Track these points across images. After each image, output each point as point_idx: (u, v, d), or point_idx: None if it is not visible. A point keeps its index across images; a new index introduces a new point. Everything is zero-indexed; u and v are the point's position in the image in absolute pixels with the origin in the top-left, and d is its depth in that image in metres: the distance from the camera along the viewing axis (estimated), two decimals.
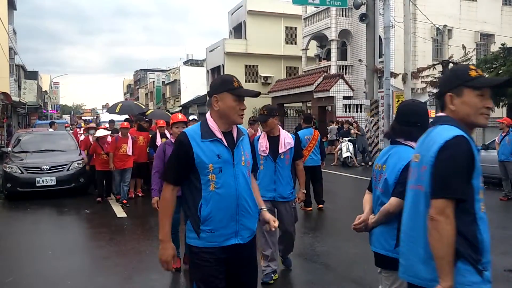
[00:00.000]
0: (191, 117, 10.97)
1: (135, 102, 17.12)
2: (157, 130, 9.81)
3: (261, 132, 5.05)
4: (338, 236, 6.68)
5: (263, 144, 4.76)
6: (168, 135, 9.08)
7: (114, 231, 7.51)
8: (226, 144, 2.58)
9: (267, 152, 4.73)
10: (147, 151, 10.17)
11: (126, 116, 12.47)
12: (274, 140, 4.75)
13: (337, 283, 4.99)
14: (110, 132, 10.53)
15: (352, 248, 6.00)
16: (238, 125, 2.70)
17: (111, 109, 13.38)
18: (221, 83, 2.62)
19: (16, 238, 7.11)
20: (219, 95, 2.58)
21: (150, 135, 10.38)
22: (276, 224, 2.83)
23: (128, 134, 9.58)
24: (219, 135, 2.58)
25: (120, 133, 9.64)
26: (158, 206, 4.30)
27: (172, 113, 12.76)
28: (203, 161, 2.51)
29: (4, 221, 8.59)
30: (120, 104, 13.23)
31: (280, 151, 4.73)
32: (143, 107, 14.25)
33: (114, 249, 6.32)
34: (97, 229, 7.68)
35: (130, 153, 9.44)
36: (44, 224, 8.21)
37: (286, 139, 4.78)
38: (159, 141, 9.25)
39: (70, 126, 20.07)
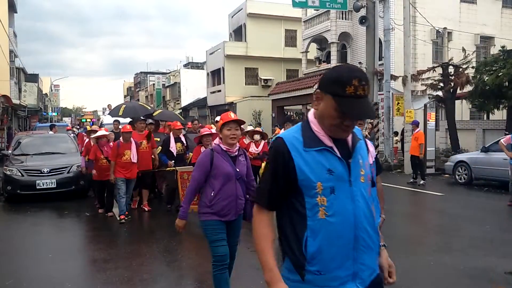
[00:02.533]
0: (217, 118, 10.26)
1: (139, 103, 14.89)
2: (171, 134, 8.88)
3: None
4: None
5: None
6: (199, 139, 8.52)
7: (115, 234, 7.52)
8: (338, 154, 1.89)
9: None
10: (154, 157, 9.04)
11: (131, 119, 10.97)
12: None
13: None
14: (110, 132, 9.47)
15: None
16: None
17: (113, 112, 11.91)
18: (332, 79, 1.86)
19: (16, 241, 7.11)
20: (322, 93, 1.89)
21: (158, 139, 9.36)
22: (393, 280, 2.13)
23: (132, 139, 8.33)
24: (329, 142, 1.89)
25: (121, 138, 8.32)
26: (181, 229, 4.05)
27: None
28: (309, 178, 1.85)
29: (4, 224, 8.59)
30: (124, 105, 11.96)
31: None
32: (149, 108, 12.50)
33: (115, 252, 6.32)
34: (97, 231, 7.67)
35: (135, 160, 8.18)
36: (44, 227, 8.20)
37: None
38: (173, 146, 8.61)
39: (74, 130, 20.03)
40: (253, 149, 9.11)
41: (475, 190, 11.46)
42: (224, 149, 3.96)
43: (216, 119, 9.74)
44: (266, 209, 1.98)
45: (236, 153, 4.04)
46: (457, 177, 12.45)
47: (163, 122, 11.16)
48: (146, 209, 9.00)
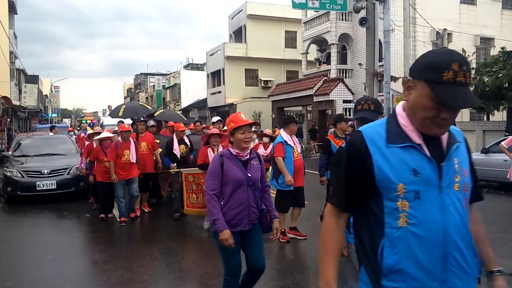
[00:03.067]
0: (215, 119, 9.47)
1: (140, 103, 14.39)
2: (174, 135, 8.53)
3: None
4: None
5: None
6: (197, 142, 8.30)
7: (115, 235, 7.52)
8: (428, 153, 1.64)
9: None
10: (156, 159, 8.81)
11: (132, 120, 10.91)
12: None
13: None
14: (115, 134, 8.98)
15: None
16: (451, 127, 1.72)
17: (113, 113, 11.63)
18: (427, 64, 1.59)
19: (16, 242, 7.10)
20: (415, 80, 1.64)
21: (158, 140, 9.06)
22: None
23: (131, 138, 8.19)
24: (417, 139, 1.65)
25: (120, 137, 8.18)
26: (230, 242, 3.47)
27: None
28: (389, 178, 1.62)
29: (5, 225, 8.58)
30: (124, 106, 11.57)
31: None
32: (150, 108, 12.12)
33: (115, 253, 6.31)
34: (98, 233, 7.66)
35: (134, 160, 8.03)
36: (45, 228, 8.20)
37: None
38: (176, 148, 8.27)
39: (75, 131, 19.99)
40: (261, 151, 8.74)
41: None
42: (234, 153, 3.65)
43: (214, 119, 9.40)
44: (339, 209, 1.77)
45: (248, 157, 3.71)
46: None
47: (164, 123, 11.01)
48: (146, 210, 8.94)
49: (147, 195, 9.23)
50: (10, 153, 11.83)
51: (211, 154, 6.91)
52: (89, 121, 30.04)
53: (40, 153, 11.28)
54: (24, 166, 10.46)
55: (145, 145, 8.66)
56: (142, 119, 9.71)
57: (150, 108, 12.30)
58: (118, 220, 8.11)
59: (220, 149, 6.93)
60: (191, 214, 7.71)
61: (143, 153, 8.52)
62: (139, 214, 8.59)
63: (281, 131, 6.80)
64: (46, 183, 10.10)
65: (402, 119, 1.69)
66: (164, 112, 12.36)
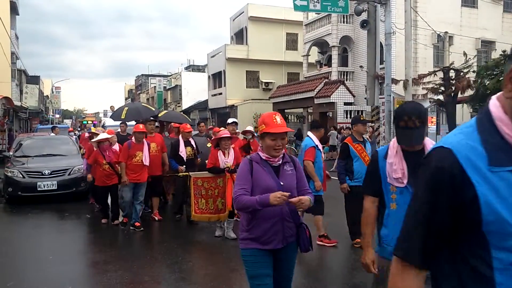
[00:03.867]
0: (230, 120, 8.67)
1: (143, 104, 13.39)
2: (180, 137, 8.25)
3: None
4: (340, 243, 6.66)
5: (398, 166, 2.81)
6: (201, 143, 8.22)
7: (115, 236, 7.52)
8: None
9: (405, 181, 2.78)
10: (164, 161, 8.41)
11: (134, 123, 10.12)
12: (416, 159, 2.56)
13: None
14: (113, 136, 8.60)
15: (353, 254, 6.00)
16: None
17: (115, 115, 11.15)
18: None
19: (17, 243, 7.11)
20: None
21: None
22: None
23: (144, 139, 7.80)
24: None
25: (133, 138, 7.83)
26: (283, 195, 2.84)
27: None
28: (503, 218, 1.11)
29: (5, 226, 8.59)
30: (126, 108, 10.87)
31: None
32: (153, 109, 11.63)
33: (115, 254, 6.31)
34: (98, 233, 7.67)
35: (147, 163, 7.67)
36: (45, 229, 8.20)
37: None
38: (182, 150, 8.03)
39: (75, 132, 20.01)
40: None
41: None
42: (264, 158, 3.10)
43: (229, 121, 8.54)
44: (414, 267, 1.21)
45: (280, 162, 3.13)
46: None
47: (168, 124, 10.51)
48: (157, 218, 8.31)
49: (158, 200, 8.74)
50: (11, 153, 11.85)
51: (221, 158, 6.72)
52: (90, 122, 30.03)
53: (41, 154, 11.29)
54: (25, 167, 10.47)
55: (154, 147, 8.17)
56: (151, 118, 9.18)
57: (154, 109, 11.80)
58: (120, 221, 7.93)
59: (232, 152, 6.81)
60: (200, 220, 7.40)
61: (152, 155, 8.01)
62: (157, 218, 8.28)
63: (310, 134, 6.56)
64: (47, 184, 10.11)
65: (505, 126, 1.16)
66: (168, 113, 11.97)
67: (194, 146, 8.31)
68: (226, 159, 6.72)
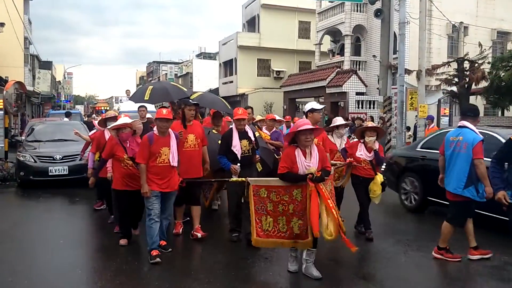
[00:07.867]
0: (309, 105, 6.14)
1: (172, 83, 9.78)
2: (233, 127, 6.15)
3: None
4: (348, 234, 6.63)
5: None
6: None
7: None
8: None
9: None
10: (205, 159, 6.26)
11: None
12: None
13: (347, 279, 4.98)
14: (136, 120, 6.43)
15: (361, 245, 5.97)
16: None
17: (136, 96, 8.46)
18: None
19: (28, 226, 7.19)
20: None
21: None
22: None
23: (170, 130, 5.51)
24: None
25: (155, 128, 5.50)
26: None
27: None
28: None
29: (17, 209, 8.70)
30: (151, 87, 7.92)
31: None
32: (185, 89, 8.39)
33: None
34: (108, 218, 7.72)
35: (175, 164, 5.40)
36: (56, 213, 8.29)
37: None
38: (236, 144, 5.93)
39: (85, 117, 20.10)
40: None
41: None
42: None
43: (307, 107, 6.15)
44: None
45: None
46: None
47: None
48: (200, 235, 6.11)
49: (199, 210, 6.33)
50: (23, 138, 11.96)
51: (301, 160, 4.67)
52: (103, 108, 29.90)
53: (53, 139, 11.38)
54: (37, 151, 10.57)
55: (193, 139, 6.03)
56: (192, 102, 6.40)
57: (185, 90, 8.45)
58: (149, 257, 5.25)
59: (315, 150, 4.77)
60: (264, 246, 5.12)
61: (189, 150, 5.97)
62: (180, 231, 6.41)
63: (469, 124, 5.27)
64: (58, 169, 10.20)
65: None
66: (203, 95, 8.30)
67: (252, 138, 6.16)
68: (307, 162, 4.68)
